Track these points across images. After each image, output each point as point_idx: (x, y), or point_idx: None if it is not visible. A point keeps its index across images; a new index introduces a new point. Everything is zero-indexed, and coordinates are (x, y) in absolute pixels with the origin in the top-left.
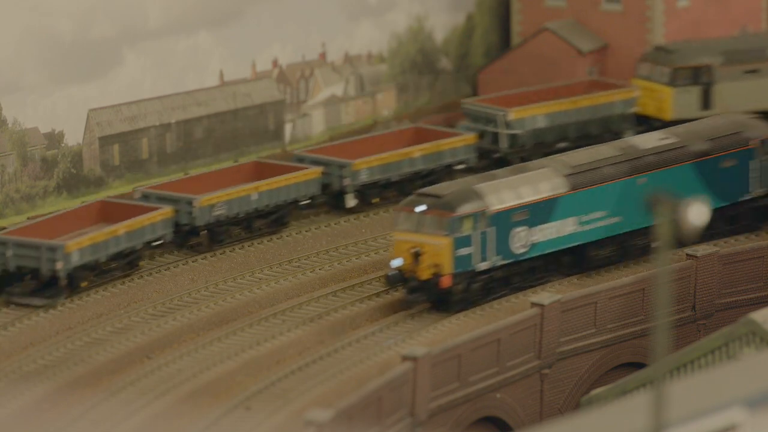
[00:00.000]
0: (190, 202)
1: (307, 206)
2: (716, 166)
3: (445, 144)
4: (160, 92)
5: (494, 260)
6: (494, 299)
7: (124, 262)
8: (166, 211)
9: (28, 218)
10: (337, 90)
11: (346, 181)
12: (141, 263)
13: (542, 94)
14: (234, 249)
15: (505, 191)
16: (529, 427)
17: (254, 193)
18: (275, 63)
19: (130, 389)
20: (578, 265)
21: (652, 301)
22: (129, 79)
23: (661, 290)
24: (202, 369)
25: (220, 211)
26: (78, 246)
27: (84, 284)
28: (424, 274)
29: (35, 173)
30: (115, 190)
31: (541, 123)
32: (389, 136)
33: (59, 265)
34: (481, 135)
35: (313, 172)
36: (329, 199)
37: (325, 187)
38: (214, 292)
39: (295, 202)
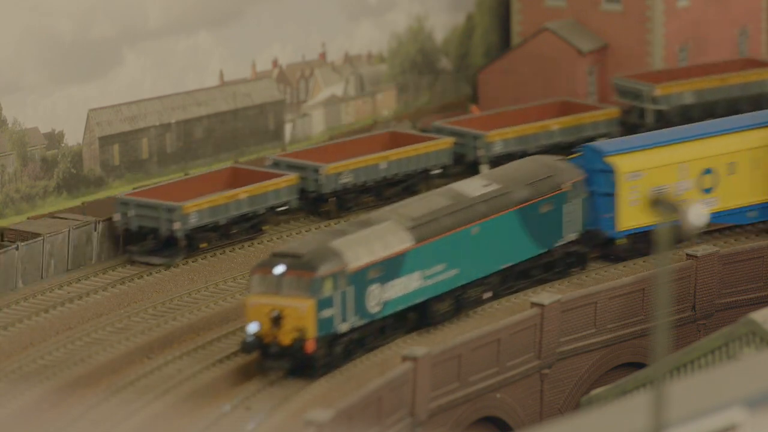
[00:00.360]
0: (316, 170)
1: (440, 176)
2: (536, 212)
3: (587, 117)
4: (160, 92)
5: (353, 321)
6: (352, 360)
7: (247, 226)
8: (290, 178)
9: (28, 218)
10: (337, 90)
11: (480, 152)
12: (265, 227)
13: (697, 70)
14: (234, 249)
15: (360, 248)
16: (529, 427)
17: (383, 162)
18: (275, 63)
19: (130, 389)
20: (421, 322)
21: (652, 301)
22: (129, 79)
23: (661, 290)
24: (202, 369)
25: (347, 179)
26: (196, 208)
27: (203, 245)
28: (286, 339)
29: (35, 173)
30: (114, 190)
31: (689, 99)
32: (535, 109)
33: (177, 226)
34: (630, 110)
35: (445, 142)
36: (464, 170)
37: (460, 157)
38: (214, 292)
39: (426, 171)
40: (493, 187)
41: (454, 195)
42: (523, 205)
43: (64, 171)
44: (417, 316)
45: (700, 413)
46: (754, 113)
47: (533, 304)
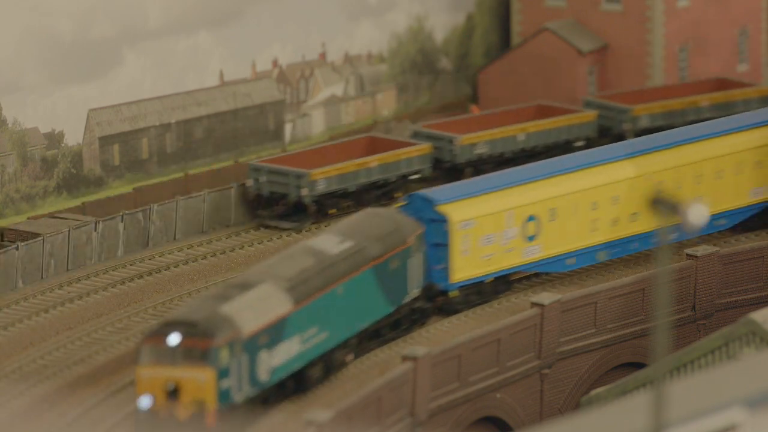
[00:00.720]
0: (451, 140)
1: (583, 148)
2: (388, 268)
3: (739, 94)
4: (160, 92)
5: (247, 391)
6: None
7: (379, 193)
8: (423, 148)
9: (28, 218)
10: (337, 90)
11: (626, 126)
12: (397, 195)
13: None
14: (234, 249)
15: (249, 312)
16: (529, 427)
17: (521, 133)
18: (275, 63)
19: (130, 389)
20: (296, 390)
21: (652, 301)
22: (129, 79)
23: (661, 290)
24: None
25: (482, 150)
26: (324, 175)
27: (332, 211)
28: (184, 412)
29: (35, 173)
30: (115, 190)
31: None
32: (688, 86)
33: (304, 192)
34: None
35: (588, 115)
36: (608, 142)
37: (606, 130)
38: None
39: (568, 143)
40: (349, 243)
41: (316, 253)
42: (378, 261)
43: (64, 171)
44: (293, 383)
45: (700, 413)
46: (573, 155)
47: (533, 304)
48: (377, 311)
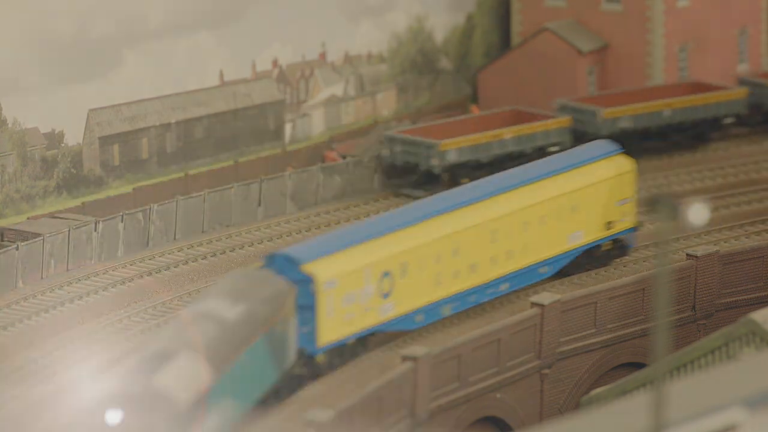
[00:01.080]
0: (594, 114)
1: (733, 125)
2: (276, 334)
3: None
4: (160, 92)
5: None
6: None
7: (514, 165)
8: (561, 120)
9: (28, 218)
10: (337, 90)
11: None
12: None
13: None
14: (234, 249)
15: (180, 385)
16: (529, 427)
17: (667, 109)
18: (275, 63)
19: None
20: None
21: (652, 301)
22: (129, 79)
23: (661, 290)
24: None
25: (625, 124)
26: (455, 145)
27: (464, 181)
28: None
29: (35, 173)
30: (115, 190)
31: None
32: None
33: (434, 162)
34: None
35: (739, 92)
36: (762, 120)
37: (757, 108)
38: None
39: (716, 120)
40: (242, 307)
41: (215, 319)
42: (269, 326)
43: (64, 171)
44: None
45: (700, 413)
46: (423, 203)
47: (533, 304)
48: (269, 379)
